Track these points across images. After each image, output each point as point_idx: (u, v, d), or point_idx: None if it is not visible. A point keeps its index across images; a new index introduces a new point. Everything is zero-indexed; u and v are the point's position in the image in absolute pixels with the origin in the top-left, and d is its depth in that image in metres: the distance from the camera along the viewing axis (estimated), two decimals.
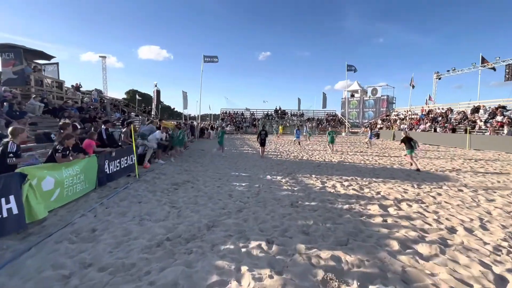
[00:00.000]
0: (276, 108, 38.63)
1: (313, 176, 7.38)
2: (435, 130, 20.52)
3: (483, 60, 25.34)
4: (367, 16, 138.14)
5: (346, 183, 6.51)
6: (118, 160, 6.35)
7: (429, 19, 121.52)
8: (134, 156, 7.01)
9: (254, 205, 4.65)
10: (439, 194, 5.55)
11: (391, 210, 4.50)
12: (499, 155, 12.72)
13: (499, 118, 18.12)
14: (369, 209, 4.54)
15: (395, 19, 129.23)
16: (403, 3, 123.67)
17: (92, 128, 7.36)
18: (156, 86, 33.58)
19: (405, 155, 9.30)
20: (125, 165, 6.85)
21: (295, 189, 5.85)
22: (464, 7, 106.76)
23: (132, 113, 23.18)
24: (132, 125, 8.61)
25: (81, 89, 16.17)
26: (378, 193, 5.64)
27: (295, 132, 16.56)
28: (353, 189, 5.93)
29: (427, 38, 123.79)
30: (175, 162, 9.45)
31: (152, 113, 35.42)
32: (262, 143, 11.49)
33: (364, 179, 7.13)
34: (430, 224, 3.86)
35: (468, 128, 16.79)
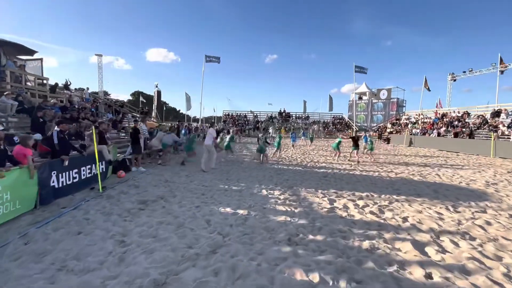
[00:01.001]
0: (280, 110, 37.32)
1: (319, 191, 6.03)
2: (455, 136, 18.85)
3: (501, 62, 23.65)
4: (374, 19, 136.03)
5: (360, 202, 5.15)
6: (75, 170, 5.12)
7: (439, 21, 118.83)
8: (98, 165, 5.76)
9: (237, 240, 3.33)
10: (488, 223, 4.14)
11: (432, 253, 3.13)
12: None
13: None
14: (400, 250, 3.18)
15: (403, 22, 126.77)
16: (411, 5, 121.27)
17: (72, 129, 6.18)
18: (157, 86, 32.70)
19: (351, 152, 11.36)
20: (89, 175, 5.62)
21: (296, 211, 4.51)
22: (476, 8, 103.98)
23: (129, 115, 22.15)
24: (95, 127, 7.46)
25: (70, 86, 15.16)
26: (405, 219, 4.26)
27: (290, 135, 16.34)
28: (371, 212, 4.56)
29: (437, 40, 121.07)
30: (157, 171, 8.20)
31: (153, 114, 34.52)
32: (261, 150, 10.23)
33: (383, 196, 5.75)
34: (501, 285, 2.49)
35: (494, 134, 15.17)
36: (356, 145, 11.09)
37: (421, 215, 4.46)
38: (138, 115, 22.43)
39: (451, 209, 4.88)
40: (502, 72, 21.59)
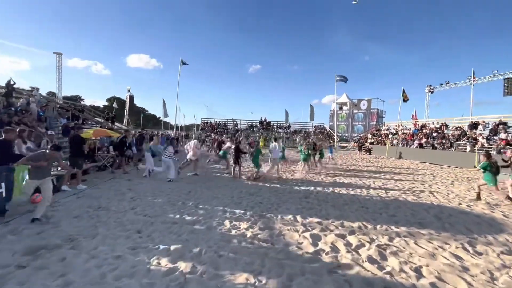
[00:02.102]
0: (261, 119, 36.26)
1: (299, 221, 4.69)
2: (433, 147, 18.52)
3: (475, 75, 24.28)
4: (353, 35, 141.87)
5: (353, 240, 3.86)
6: None
7: (414, 37, 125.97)
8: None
9: None
10: None
11: None
12: None
13: (502, 135, 16.42)
14: None
15: (380, 39, 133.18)
16: (387, 24, 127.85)
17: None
18: (129, 91, 30.52)
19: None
20: None
21: (266, 262, 3.11)
22: (453, 22, 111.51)
23: (93, 121, 19.90)
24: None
25: (15, 86, 12.94)
26: (419, 271, 3.01)
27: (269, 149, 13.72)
28: (370, 259, 3.27)
29: (413, 55, 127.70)
30: (98, 191, 6.51)
31: (124, 120, 32.11)
32: (235, 160, 8.84)
33: (378, 227, 4.52)
34: None
35: (476, 146, 14.86)
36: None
37: (437, 263, 3.22)
38: (103, 121, 20.30)
39: (470, 249, 3.71)
40: (474, 83, 22.01)
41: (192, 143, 9.53)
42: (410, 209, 5.77)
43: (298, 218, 4.83)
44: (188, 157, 9.57)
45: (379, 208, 5.75)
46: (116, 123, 25.27)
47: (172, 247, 3.36)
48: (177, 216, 4.63)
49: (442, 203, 6.38)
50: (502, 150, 14.84)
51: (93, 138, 9.79)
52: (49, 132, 10.00)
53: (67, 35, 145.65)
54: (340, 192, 7.28)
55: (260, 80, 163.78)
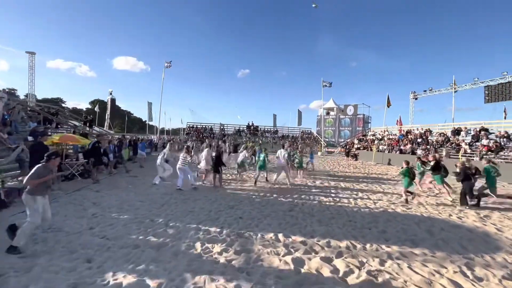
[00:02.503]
0: (248, 123, 35.81)
1: (281, 239, 4.20)
2: (413, 153, 18.53)
3: (456, 82, 24.92)
4: (340, 42, 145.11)
5: (340, 264, 3.40)
6: None
7: (400, 44, 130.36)
8: None
9: None
10: None
11: None
12: (504, 186, 10.62)
13: (484, 141, 16.71)
14: None
15: (366, 46, 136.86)
16: (374, 31, 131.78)
17: None
18: (111, 94, 29.28)
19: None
20: None
21: None
22: (437, 31, 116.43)
23: (68, 125, 18.76)
24: None
25: None
26: None
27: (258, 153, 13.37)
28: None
29: (398, 63, 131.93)
30: (62, 201, 5.76)
31: (105, 123, 30.79)
32: (216, 169, 8.26)
33: (368, 246, 4.09)
34: None
35: (461, 152, 14.96)
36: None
37: None
38: (79, 124, 19.18)
39: (468, 273, 3.32)
40: (456, 91, 22.56)
41: (204, 152, 9.34)
42: (400, 222, 5.40)
43: (280, 236, 4.32)
44: (201, 166, 9.42)
45: (368, 222, 5.34)
46: (96, 127, 24.10)
47: (124, 283, 2.77)
48: (141, 237, 4.01)
49: (432, 215, 6.06)
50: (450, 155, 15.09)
51: (60, 144, 8.92)
52: (29, 138, 9.16)
53: (49, 35, 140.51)
54: (327, 203, 6.85)
55: (249, 85, 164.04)
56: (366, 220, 5.48)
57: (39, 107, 18.42)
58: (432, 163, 8.64)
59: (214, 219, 5.16)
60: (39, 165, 3.67)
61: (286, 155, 9.22)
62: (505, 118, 22.32)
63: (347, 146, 28.13)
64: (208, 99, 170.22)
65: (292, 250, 3.85)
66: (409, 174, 7.41)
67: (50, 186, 3.94)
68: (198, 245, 3.84)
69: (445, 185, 8.33)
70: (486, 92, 20.26)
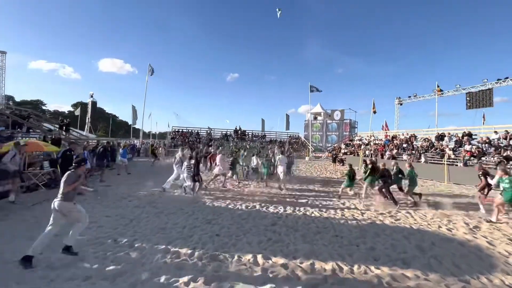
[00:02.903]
0: (235, 128, 35.29)
1: (260, 261, 3.74)
2: (392, 158, 18.57)
3: (439, 88, 25.47)
4: (327, 48, 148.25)
5: None
6: None
7: (384, 52, 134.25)
8: None
9: None
10: None
11: None
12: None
13: (467, 147, 16.96)
14: None
15: (352, 53, 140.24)
16: (357, 38, 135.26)
17: None
18: (92, 96, 28.01)
19: None
20: None
21: None
22: (421, 38, 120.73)
23: (40, 129, 17.62)
24: None
25: None
26: None
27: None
28: None
29: (383, 70, 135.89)
30: (13, 219, 5.06)
31: (86, 127, 29.42)
32: (193, 178, 7.70)
33: (356, 268, 3.69)
34: None
35: (445, 158, 15.06)
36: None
37: None
38: (54, 128, 18.09)
39: None
40: (441, 96, 23.03)
41: (218, 157, 9.88)
42: (389, 237, 5.05)
43: (259, 258, 3.85)
44: (215, 171, 9.88)
45: (356, 237, 4.96)
46: (75, 131, 22.91)
47: None
48: (95, 266, 3.43)
49: (422, 227, 5.77)
50: (468, 162, 15.26)
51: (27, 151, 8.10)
52: None
53: (31, 36, 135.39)
54: (313, 214, 6.44)
55: (238, 89, 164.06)
56: (353, 234, 5.09)
57: (9, 109, 17.23)
58: (369, 167, 8.71)
59: (187, 237, 4.63)
60: (70, 172, 3.70)
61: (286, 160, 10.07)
62: (483, 123, 23.06)
63: (334, 152, 28.09)
64: (197, 103, 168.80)
65: (270, 275, 3.39)
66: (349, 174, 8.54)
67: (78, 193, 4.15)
68: (162, 273, 3.31)
69: (370, 188, 8.67)
70: (467, 98, 20.75)
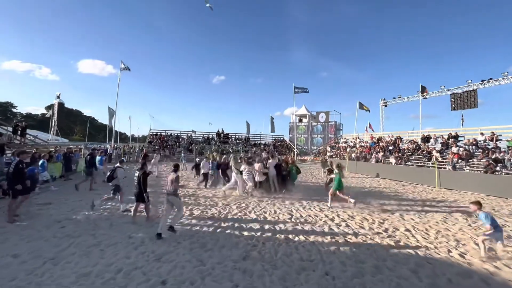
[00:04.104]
0: (218, 130, 33.77)
1: None
2: (375, 160, 17.85)
3: (423, 90, 25.31)
4: (310, 52, 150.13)
5: None
6: None
7: (367, 56, 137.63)
8: None
9: None
10: None
11: None
12: (483, 198, 9.89)
13: (454, 149, 16.48)
14: None
15: (336, 57, 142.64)
16: (339, 43, 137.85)
17: None
18: (58, 97, 25.58)
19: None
20: None
21: None
22: (404, 40, 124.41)
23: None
24: None
25: None
26: None
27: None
28: None
29: (367, 72, 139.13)
30: None
31: (52, 131, 26.87)
32: (138, 196, 5.78)
33: None
34: None
35: (435, 161, 14.39)
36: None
37: None
38: (7, 133, 15.88)
39: None
40: (425, 98, 22.80)
41: (256, 166, 9.60)
42: (393, 272, 3.89)
43: None
44: (257, 179, 9.57)
45: (351, 276, 3.74)
46: (33, 136, 20.61)
47: None
48: None
49: (429, 252, 4.68)
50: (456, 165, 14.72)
51: None
52: None
53: (2, 34, 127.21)
54: (296, 239, 5.20)
55: (224, 92, 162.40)
56: (348, 272, 3.88)
57: None
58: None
59: (121, 285, 3.23)
60: (176, 174, 5.32)
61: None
62: (462, 125, 23.02)
63: (324, 156, 27.16)
64: (181, 106, 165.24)
65: None
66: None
67: None
68: None
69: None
70: (452, 99, 20.52)
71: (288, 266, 4.01)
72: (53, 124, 25.80)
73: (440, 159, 16.66)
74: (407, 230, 5.94)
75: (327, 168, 12.36)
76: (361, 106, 30.02)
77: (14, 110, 78.96)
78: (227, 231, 5.50)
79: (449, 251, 4.78)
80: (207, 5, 23.81)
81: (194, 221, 6.09)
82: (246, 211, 7.16)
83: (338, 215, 7.05)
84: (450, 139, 18.00)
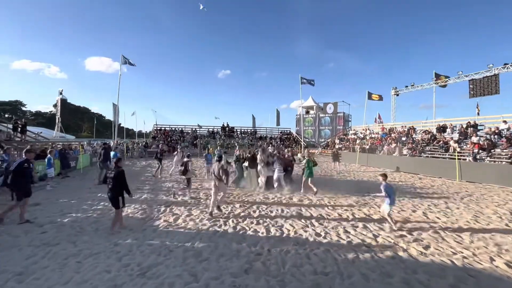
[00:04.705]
0: (223, 124, 33.10)
1: None
2: (419, 154, 16.84)
3: (437, 77, 23.85)
4: (316, 44, 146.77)
5: None
6: None
7: (376, 44, 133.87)
8: None
9: None
10: None
11: None
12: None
13: (474, 139, 15.35)
14: None
15: (341, 47, 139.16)
16: (347, 31, 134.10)
17: None
18: (61, 93, 25.26)
19: None
20: None
21: None
22: (417, 25, 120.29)
23: None
24: None
25: None
26: None
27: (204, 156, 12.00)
28: None
29: (375, 62, 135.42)
30: None
31: (56, 128, 26.69)
32: (113, 201, 4.89)
33: None
34: None
35: (456, 153, 13.37)
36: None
37: None
38: (7, 130, 15.58)
39: None
40: (445, 86, 21.48)
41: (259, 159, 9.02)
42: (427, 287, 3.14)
43: None
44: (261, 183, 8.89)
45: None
46: (35, 133, 20.38)
47: None
48: None
49: (469, 262, 3.90)
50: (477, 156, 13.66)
51: None
52: None
53: (13, 34, 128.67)
54: (306, 245, 4.48)
55: (230, 86, 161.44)
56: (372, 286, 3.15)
57: None
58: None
59: None
60: (221, 163, 6.18)
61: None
62: (478, 114, 21.54)
63: (336, 148, 26.22)
64: (187, 101, 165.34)
65: None
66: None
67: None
68: None
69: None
70: (470, 86, 19.17)
71: (298, 281, 3.31)
72: (57, 121, 25.57)
73: (458, 149, 15.60)
74: (436, 232, 5.15)
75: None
76: (370, 96, 28.74)
77: (23, 108, 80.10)
78: (227, 235, 4.83)
79: (492, 259, 3.99)
80: (201, 7, 26.29)
81: (191, 223, 5.43)
82: (250, 211, 6.47)
83: (353, 214, 6.29)
84: (469, 128, 16.84)
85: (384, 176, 5.58)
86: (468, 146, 15.02)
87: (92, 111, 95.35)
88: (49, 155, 9.22)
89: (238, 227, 5.28)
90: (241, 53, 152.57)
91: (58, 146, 14.28)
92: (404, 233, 5.04)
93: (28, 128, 29.69)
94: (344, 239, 4.70)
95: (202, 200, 7.50)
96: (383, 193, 5.35)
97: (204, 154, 11.00)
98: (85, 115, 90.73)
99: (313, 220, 5.77)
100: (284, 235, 4.88)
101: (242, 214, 6.18)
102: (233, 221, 5.61)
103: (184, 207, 6.73)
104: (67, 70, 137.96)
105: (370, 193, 8.48)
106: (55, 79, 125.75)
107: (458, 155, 14.43)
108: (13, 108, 73.20)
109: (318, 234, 4.92)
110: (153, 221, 5.55)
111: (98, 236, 4.68)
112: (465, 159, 13.62)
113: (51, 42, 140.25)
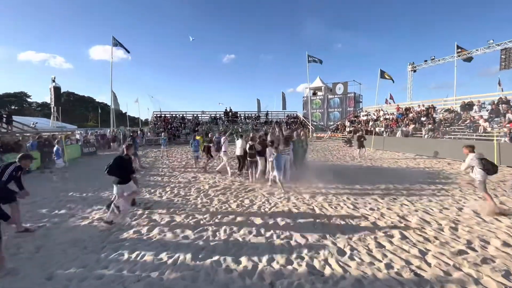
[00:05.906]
0: (226, 109, 31.50)
1: None
2: (442, 136, 15.02)
3: (461, 49, 21.39)
4: (322, 24, 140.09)
5: None
6: None
7: (387, 20, 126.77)
8: None
9: None
10: None
11: None
12: None
13: (510, 116, 13.45)
14: None
15: (349, 26, 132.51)
16: (353, 10, 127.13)
17: None
18: (54, 81, 23.97)
19: None
20: None
21: None
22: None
23: None
24: None
25: None
26: None
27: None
28: None
29: (387, 38, 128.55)
30: None
31: (52, 117, 25.63)
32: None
33: None
34: None
35: (494, 134, 11.63)
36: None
37: None
38: None
39: None
40: (470, 59, 19.16)
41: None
42: None
43: None
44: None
45: None
46: (22, 123, 19.36)
47: None
48: None
49: None
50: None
51: None
52: None
53: (17, 26, 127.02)
54: (327, 270, 3.08)
55: (235, 71, 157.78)
56: None
57: None
58: None
59: None
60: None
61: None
62: (502, 90, 19.25)
63: (361, 132, 24.49)
64: (191, 87, 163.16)
65: None
66: None
67: None
68: None
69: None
70: (502, 56, 16.90)
71: None
72: (52, 110, 24.50)
73: (489, 129, 13.77)
74: (505, 243, 3.67)
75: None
76: (383, 74, 26.51)
77: (29, 100, 79.99)
78: (214, 254, 3.46)
79: None
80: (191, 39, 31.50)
81: (169, 236, 4.08)
82: (251, 213, 5.08)
83: (382, 215, 4.84)
84: (501, 105, 14.86)
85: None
86: (503, 125, 13.16)
87: (97, 100, 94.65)
88: (57, 146, 8.20)
89: (231, 240, 3.91)
90: (245, 36, 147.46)
91: (44, 136, 13.10)
92: (460, 246, 3.58)
93: (26, 118, 28.90)
94: (377, 259, 3.27)
95: (191, 199, 6.16)
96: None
97: (190, 142, 10.02)
98: (89, 105, 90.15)
99: (332, 227, 4.34)
100: (295, 255, 3.47)
101: (239, 219, 4.81)
102: (225, 231, 4.23)
103: (168, 209, 5.40)
104: (72, 60, 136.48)
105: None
106: (61, 70, 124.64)
107: (487, 136, 12.66)
108: (19, 99, 72.99)
109: (341, 253, 3.51)
110: (120, 232, 4.23)
111: (34, 261, 3.37)
112: (500, 140, 11.82)
113: (55, 32, 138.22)
